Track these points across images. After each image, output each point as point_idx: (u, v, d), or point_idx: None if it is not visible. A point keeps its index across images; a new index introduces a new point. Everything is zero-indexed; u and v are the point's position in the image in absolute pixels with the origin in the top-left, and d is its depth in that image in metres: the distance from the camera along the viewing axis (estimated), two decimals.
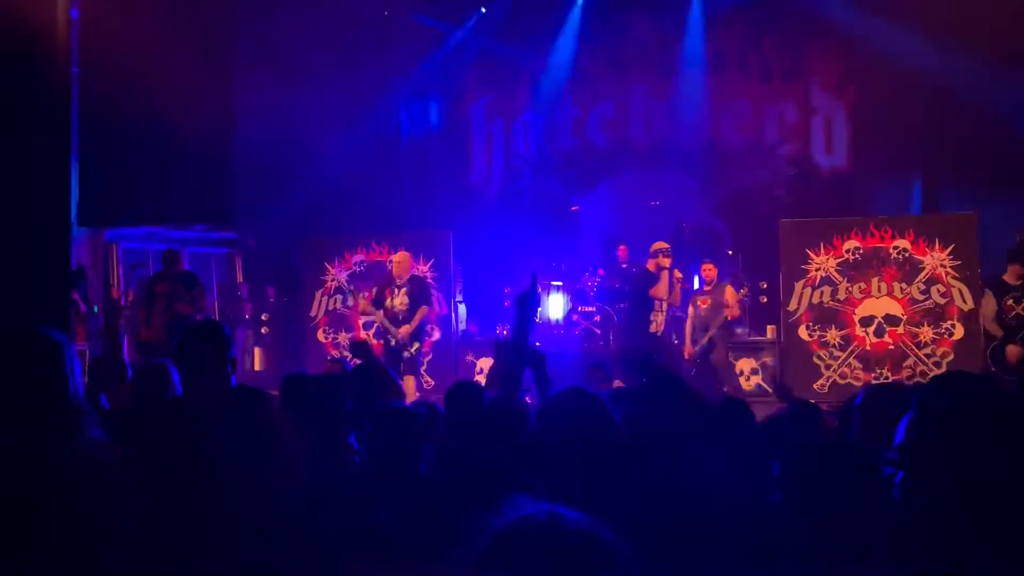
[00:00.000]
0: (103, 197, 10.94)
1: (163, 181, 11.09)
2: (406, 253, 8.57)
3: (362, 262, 10.83)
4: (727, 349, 8.57)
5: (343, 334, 10.79)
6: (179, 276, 8.28)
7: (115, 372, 5.03)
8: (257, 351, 12.51)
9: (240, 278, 13.03)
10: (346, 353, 10.65)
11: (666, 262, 7.57)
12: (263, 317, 12.49)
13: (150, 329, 7.85)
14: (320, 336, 10.85)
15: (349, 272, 10.84)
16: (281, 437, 2.58)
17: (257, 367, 12.41)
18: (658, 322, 7.61)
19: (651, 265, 7.72)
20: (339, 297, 10.82)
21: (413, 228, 11.12)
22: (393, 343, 8.20)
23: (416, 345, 8.35)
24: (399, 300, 8.25)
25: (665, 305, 7.69)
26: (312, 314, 10.91)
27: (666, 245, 7.73)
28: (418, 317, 8.27)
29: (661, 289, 7.52)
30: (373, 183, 12.01)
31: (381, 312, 8.26)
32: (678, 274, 7.89)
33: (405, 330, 8.17)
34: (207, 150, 11.34)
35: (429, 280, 10.02)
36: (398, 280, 8.32)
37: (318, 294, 10.89)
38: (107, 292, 11.16)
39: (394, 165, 12.40)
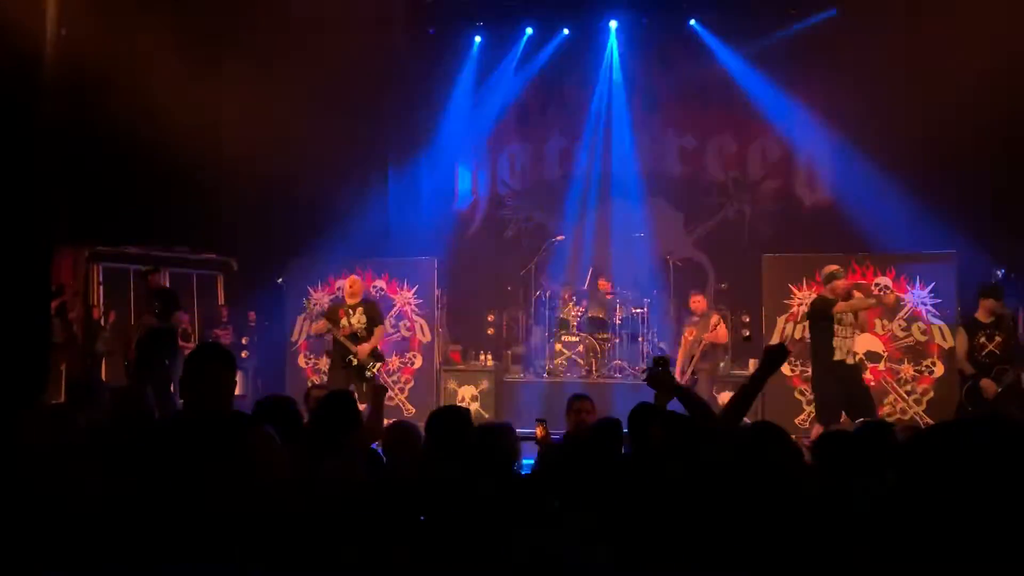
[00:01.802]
0: (87, 215, 10.89)
1: (148, 201, 11.08)
2: (356, 277, 8.95)
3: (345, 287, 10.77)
4: (711, 382, 8.58)
5: (324, 359, 10.70)
6: (156, 293, 8.29)
7: (92, 392, 4.95)
8: (237, 375, 12.38)
9: (221, 300, 12.93)
10: (326, 379, 10.56)
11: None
12: (243, 341, 12.37)
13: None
14: (301, 361, 10.76)
15: (332, 297, 10.78)
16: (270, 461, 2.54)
17: (238, 391, 12.25)
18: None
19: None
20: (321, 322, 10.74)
21: (397, 255, 11.09)
22: (355, 362, 8.28)
23: (377, 364, 8.45)
24: (356, 319, 8.39)
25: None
26: (293, 339, 10.82)
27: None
28: (377, 336, 8.43)
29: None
30: (358, 209, 11.99)
31: (340, 330, 8.36)
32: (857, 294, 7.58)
33: (365, 348, 8.30)
34: (194, 171, 11.35)
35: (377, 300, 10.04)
36: (350, 300, 8.52)
37: (300, 319, 10.81)
38: (87, 312, 11.05)
39: (380, 191, 12.39)
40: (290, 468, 2.60)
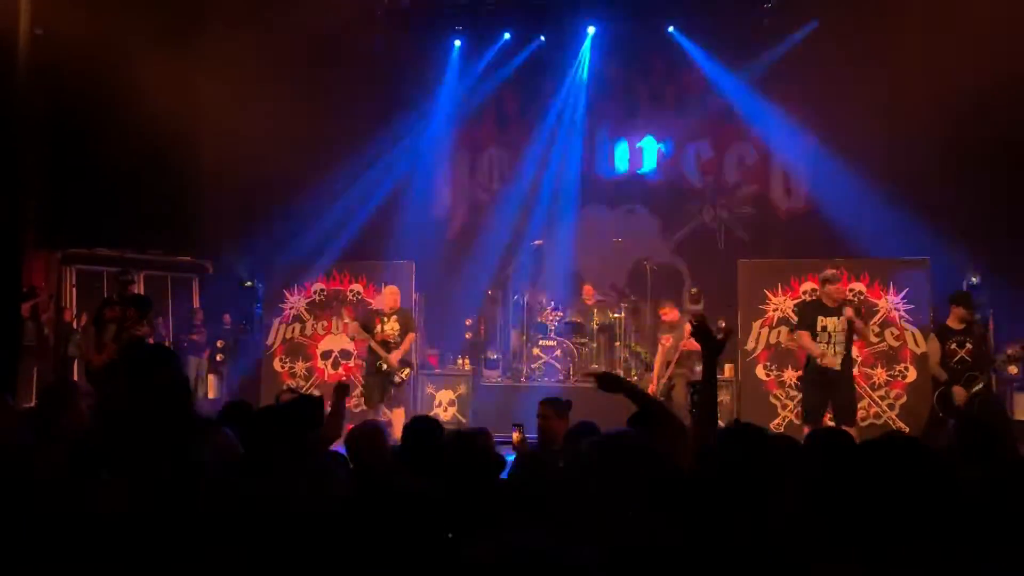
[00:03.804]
0: (60, 217, 10.78)
1: (123, 203, 10.99)
2: (395, 288, 9.16)
3: (322, 291, 10.74)
4: (687, 388, 8.61)
5: (300, 363, 10.65)
6: (131, 301, 8.08)
7: (66, 396, 4.88)
8: (211, 378, 12.31)
9: (196, 303, 12.84)
10: (302, 382, 10.52)
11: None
12: (218, 344, 12.30)
13: (100, 355, 7.64)
14: (276, 365, 10.69)
15: (309, 301, 10.74)
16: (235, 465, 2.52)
17: (211, 395, 12.19)
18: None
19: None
20: (297, 326, 10.70)
21: (375, 258, 11.05)
22: (384, 367, 8.59)
23: (407, 371, 8.82)
24: (390, 327, 8.70)
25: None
26: (269, 342, 10.75)
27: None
28: (407, 343, 8.74)
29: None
30: (336, 212, 11.95)
31: (371, 337, 8.67)
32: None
33: (396, 355, 8.61)
34: (170, 175, 11.28)
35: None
36: (387, 309, 8.82)
37: (276, 321, 10.75)
38: (59, 315, 10.93)
39: (358, 194, 12.35)
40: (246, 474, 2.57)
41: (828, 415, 7.45)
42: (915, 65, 9.81)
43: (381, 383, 8.65)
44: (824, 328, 7.31)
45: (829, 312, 7.34)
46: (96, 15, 9.11)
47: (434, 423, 3.82)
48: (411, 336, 8.83)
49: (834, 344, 7.31)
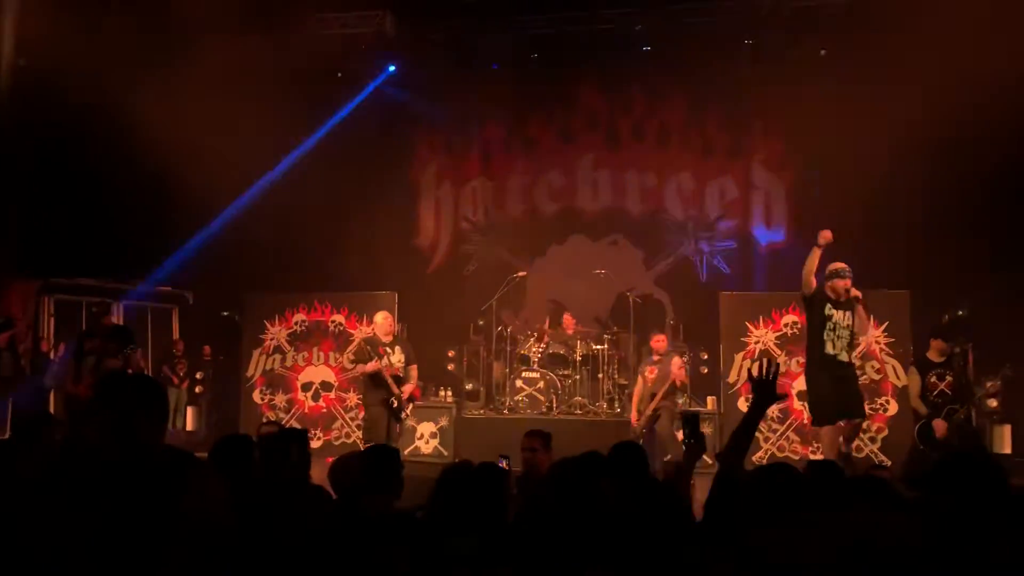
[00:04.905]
0: (39, 247, 10.70)
1: (101, 233, 10.92)
2: (388, 313, 8.24)
3: (303, 321, 10.68)
4: (672, 419, 8.60)
5: (280, 395, 10.56)
6: (110, 332, 7.97)
7: (40, 427, 4.81)
8: (190, 410, 12.17)
9: (176, 334, 12.74)
10: (282, 414, 10.42)
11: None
12: (198, 375, 12.19)
13: (77, 386, 7.54)
14: (256, 397, 10.59)
15: (290, 331, 10.67)
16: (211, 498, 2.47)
17: (189, 427, 12.06)
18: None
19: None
20: (278, 357, 10.62)
21: (357, 288, 11.00)
22: (395, 404, 7.79)
23: (411, 405, 8.09)
24: (396, 359, 7.86)
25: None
26: (249, 374, 10.66)
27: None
28: (414, 375, 8.00)
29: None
30: (318, 242, 11.93)
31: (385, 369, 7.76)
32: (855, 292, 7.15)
33: (408, 389, 7.86)
34: (147, 204, 11.22)
35: None
36: (385, 338, 7.92)
37: (256, 353, 10.67)
38: (36, 345, 10.80)
39: (340, 225, 12.35)
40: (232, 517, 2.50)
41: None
42: (896, 97, 9.93)
43: (387, 417, 7.77)
44: (831, 318, 7.00)
45: (837, 305, 7.05)
46: (80, 46, 9.11)
47: (393, 450, 3.80)
48: (415, 367, 8.02)
49: (840, 339, 7.01)
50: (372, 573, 2.61)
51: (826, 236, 6.93)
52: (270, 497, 3.24)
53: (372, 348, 7.77)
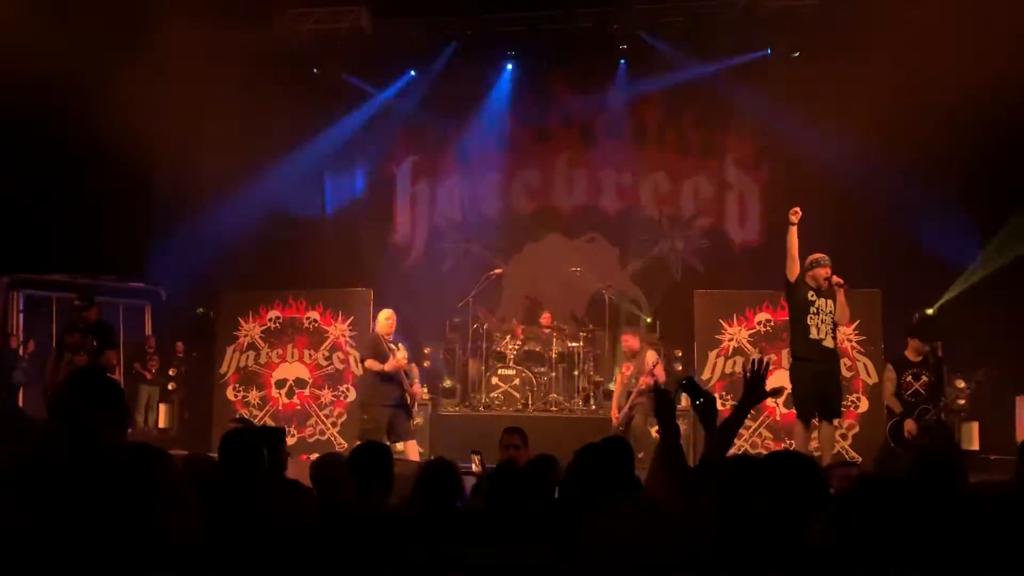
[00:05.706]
0: (7, 242, 10.54)
1: (73, 228, 10.78)
2: (391, 311, 8.07)
3: (277, 318, 10.61)
4: (646, 416, 8.63)
5: (254, 392, 10.49)
6: (92, 328, 7.87)
7: (9, 425, 4.74)
8: (162, 407, 12.06)
9: (149, 331, 12.61)
10: (256, 411, 10.34)
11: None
12: (171, 372, 12.08)
13: (54, 380, 7.44)
14: (230, 394, 10.50)
15: (264, 328, 10.60)
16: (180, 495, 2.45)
17: (162, 424, 11.95)
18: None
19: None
20: (252, 353, 10.54)
21: (332, 285, 10.95)
22: (411, 401, 7.76)
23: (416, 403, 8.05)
24: (402, 355, 7.75)
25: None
26: (222, 371, 10.57)
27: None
28: (415, 372, 8.02)
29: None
30: (293, 238, 11.87)
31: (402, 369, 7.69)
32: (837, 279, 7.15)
33: (418, 388, 7.85)
34: (121, 199, 11.09)
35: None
36: (389, 337, 7.81)
37: (229, 350, 10.57)
38: (5, 341, 10.65)
39: (316, 221, 12.28)
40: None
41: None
42: (869, 96, 10.04)
43: (397, 415, 7.67)
44: (814, 303, 7.06)
45: (819, 293, 7.10)
46: (50, 38, 8.98)
47: (385, 448, 3.80)
48: (415, 366, 8.02)
49: (824, 323, 7.05)
50: (366, 573, 2.61)
51: (797, 212, 7.07)
52: (246, 493, 3.22)
53: (379, 345, 7.72)
